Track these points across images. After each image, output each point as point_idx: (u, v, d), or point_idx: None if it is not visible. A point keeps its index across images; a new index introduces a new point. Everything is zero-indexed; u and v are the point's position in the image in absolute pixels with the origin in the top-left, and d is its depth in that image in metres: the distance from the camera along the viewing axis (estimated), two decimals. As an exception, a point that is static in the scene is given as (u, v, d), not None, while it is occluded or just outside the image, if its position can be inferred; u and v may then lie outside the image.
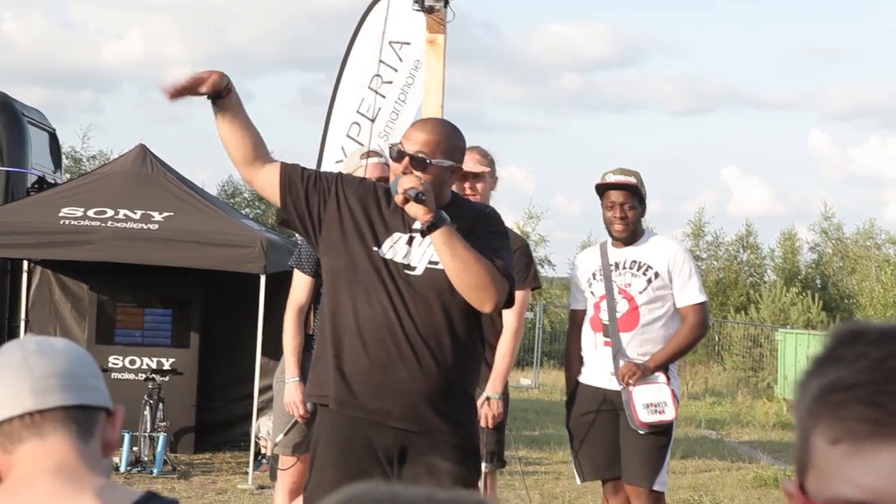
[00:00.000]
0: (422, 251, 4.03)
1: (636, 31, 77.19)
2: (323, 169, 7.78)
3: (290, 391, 5.71)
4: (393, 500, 1.06)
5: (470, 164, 5.69)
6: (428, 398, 3.98)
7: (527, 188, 63.25)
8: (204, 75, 3.87)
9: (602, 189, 5.97)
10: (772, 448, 15.26)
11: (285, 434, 5.79)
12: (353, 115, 8.38)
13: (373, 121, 7.89)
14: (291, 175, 4.05)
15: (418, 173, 3.97)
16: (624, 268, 5.92)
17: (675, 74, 75.88)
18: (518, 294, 5.80)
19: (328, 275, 4.10)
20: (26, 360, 1.93)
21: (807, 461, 1.10)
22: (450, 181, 4.12)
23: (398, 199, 3.92)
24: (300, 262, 5.82)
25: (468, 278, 3.94)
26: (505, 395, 5.89)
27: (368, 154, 5.88)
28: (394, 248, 4.02)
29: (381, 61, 7.75)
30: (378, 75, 8.00)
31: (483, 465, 5.69)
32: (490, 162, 5.96)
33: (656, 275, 5.87)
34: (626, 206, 5.90)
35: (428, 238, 3.97)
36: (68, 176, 19.70)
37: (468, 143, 4.37)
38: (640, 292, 5.87)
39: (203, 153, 72.80)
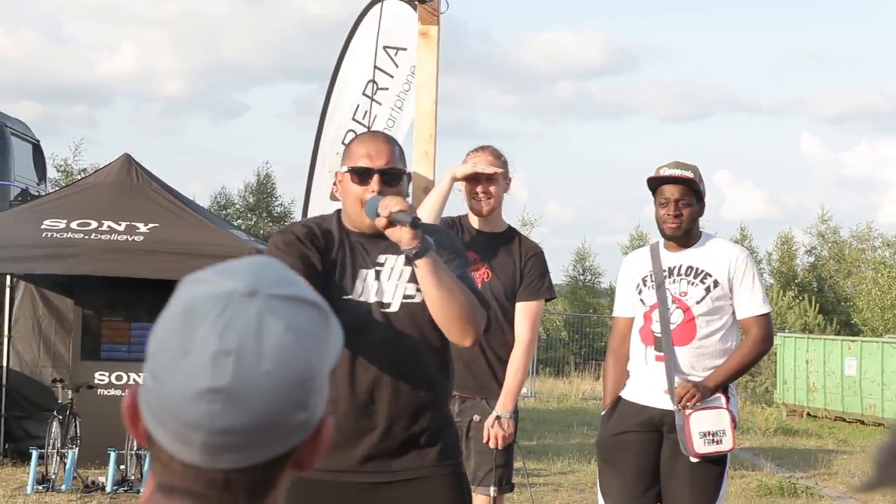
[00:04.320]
0: (393, 285, 3.68)
1: (628, 38, 77.39)
2: (316, 177, 7.55)
3: None
4: None
5: (482, 164, 5.41)
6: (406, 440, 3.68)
7: (520, 195, 63.05)
8: None
9: (655, 184, 5.37)
10: (774, 455, 15.03)
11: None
12: (349, 122, 8.18)
13: (369, 128, 7.67)
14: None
15: (393, 192, 3.62)
16: (679, 274, 5.34)
17: (668, 81, 76.04)
18: (532, 305, 5.47)
19: None
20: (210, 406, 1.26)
21: None
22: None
23: (380, 222, 3.52)
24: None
25: (452, 309, 3.59)
26: (515, 414, 5.45)
27: None
28: (365, 286, 3.66)
29: (376, 67, 7.53)
30: (373, 81, 7.78)
31: (491, 489, 5.41)
32: (504, 163, 5.52)
33: (715, 283, 5.30)
34: (682, 202, 5.30)
35: (399, 270, 3.67)
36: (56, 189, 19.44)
37: (379, 132, 4.03)
38: (698, 302, 5.28)
39: (196, 165, 72.72)
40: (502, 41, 77.34)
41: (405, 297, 3.68)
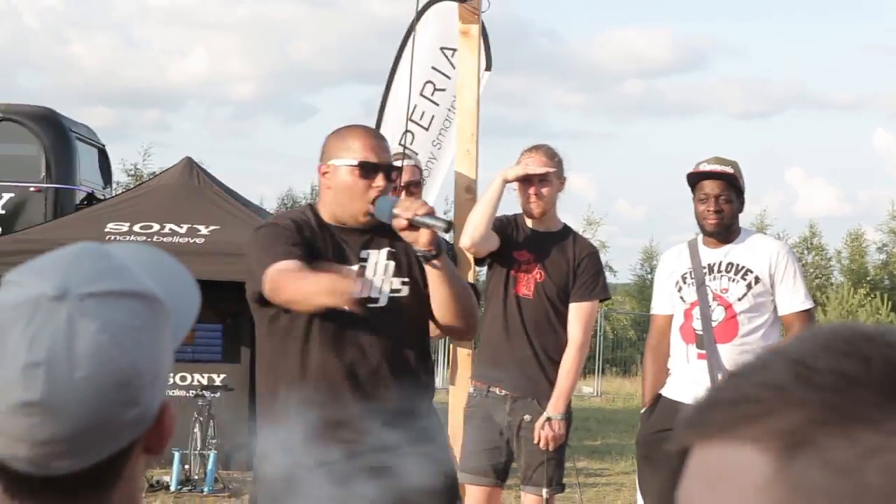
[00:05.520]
0: (379, 280, 3.71)
1: (698, 34, 76.82)
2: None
3: None
4: None
5: (533, 165, 5.37)
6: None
7: (588, 195, 62.86)
8: None
9: (695, 179, 5.33)
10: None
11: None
12: (405, 123, 8.18)
13: (426, 129, 7.67)
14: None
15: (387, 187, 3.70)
16: (719, 271, 5.28)
17: (738, 77, 75.33)
18: (585, 306, 5.45)
19: (276, 318, 3.69)
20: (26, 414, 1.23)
21: None
22: None
23: (399, 223, 3.55)
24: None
25: (461, 306, 3.70)
26: (568, 416, 5.42)
27: (403, 156, 5.58)
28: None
29: (432, 68, 7.53)
30: (430, 82, 7.78)
31: (543, 490, 5.39)
32: (558, 163, 5.48)
33: (756, 279, 5.24)
34: (722, 198, 5.24)
35: (384, 265, 3.70)
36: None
37: (369, 126, 4.02)
38: (739, 299, 5.22)
39: (265, 168, 73.33)
40: (570, 39, 77.12)
41: (392, 291, 3.70)
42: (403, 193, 5.37)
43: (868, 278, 42.76)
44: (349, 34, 70.54)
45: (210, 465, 9.98)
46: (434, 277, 3.65)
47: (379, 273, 3.71)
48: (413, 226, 3.53)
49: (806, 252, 42.55)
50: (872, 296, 36.75)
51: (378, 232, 3.74)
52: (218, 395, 10.65)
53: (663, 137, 75.26)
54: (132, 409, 1.25)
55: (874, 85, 76.40)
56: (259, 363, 3.88)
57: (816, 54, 75.82)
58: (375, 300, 3.69)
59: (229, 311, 11.32)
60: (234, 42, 70.96)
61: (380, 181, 3.68)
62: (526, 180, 5.36)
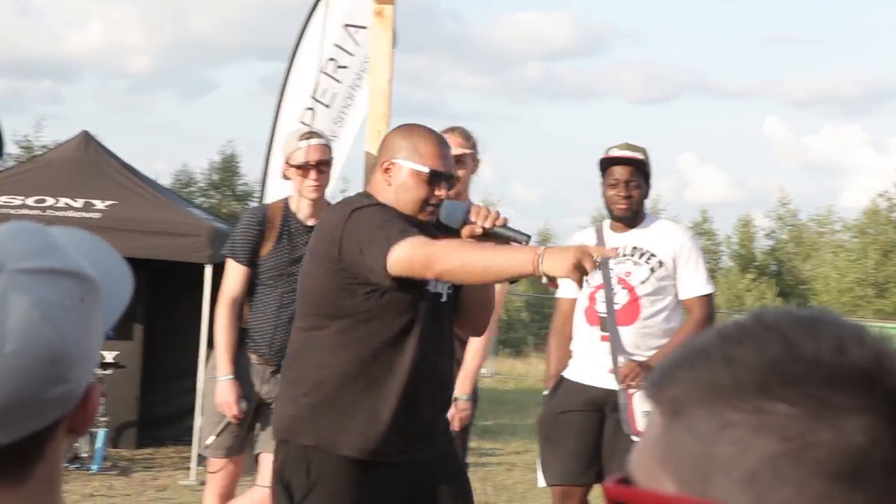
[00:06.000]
0: None
1: (598, 19, 77.46)
2: (273, 154, 7.54)
3: (222, 390, 5.35)
4: None
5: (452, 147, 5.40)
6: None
7: (486, 176, 63.10)
8: None
9: (605, 164, 5.42)
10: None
11: (217, 435, 5.45)
12: (307, 100, 8.17)
13: (328, 106, 7.67)
14: None
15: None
16: (624, 255, 5.38)
17: (636, 63, 76.29)
18: (497, 287, 5.57)
19: (376, 311, 3.74)
20: None
21: None
22: None
23: (475, 230, 3.66)
24: (234, 251, 5.46)
25: (490, 306, 4.01)
26: (474, 396, 5.51)
27: (310, 135, 5.57)
28: None
29: (336, 45, 7.53)
30: (333, 59, 7.77)
31: None
32: (472, 144, 5.53)
33: (660, 263, 5.36)
34: (632, 184, 5.37)
35: None
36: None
37: (435, 130, 4.02)
38: (642, 282, 5.34)
39: (161, 143, 72.40)
40: (474, 21, 77.30)
41: (448, 288, 3.86)
42: (313, 172, 5.39)
43: (755, 263, 43.60)
44: (250, 9, 69.84)
45: (99, 443, 9.87)
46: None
47: None
48: (487, 234, 3.64)
49: (697, 237, 43.31)
50: (759, 280, 37.48)
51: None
52: (109, 371, 10.53)
53: (561, 121, 75.99)
54: (59, 386, 1.26)
55: (767, 74, 77.88)
56: (345, 353, 3.81)
57: (713, 42, 76.97)
58: (440, 294, 3.85)
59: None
60: (132, 14, 69.81)
61: (442, 190, 3.80)
62: None
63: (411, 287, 3.67)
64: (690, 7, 78.29)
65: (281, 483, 3.78)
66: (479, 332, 4.17)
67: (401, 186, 3.79)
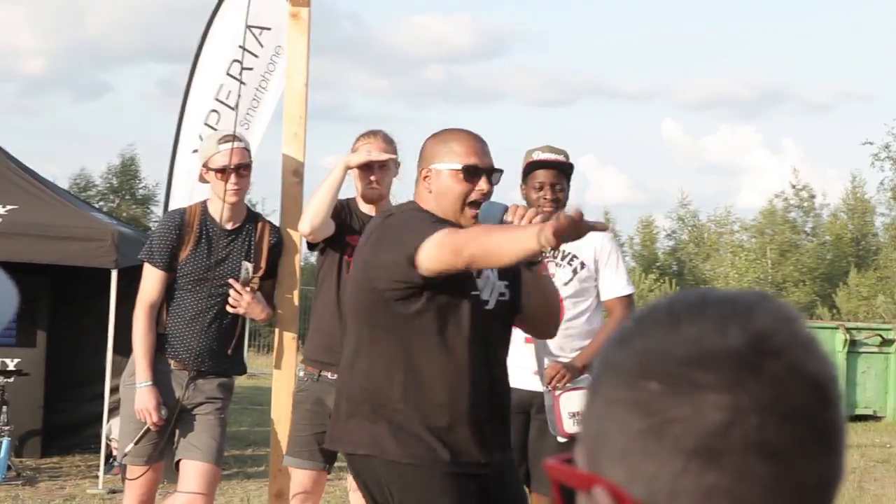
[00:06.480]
0: (491, 283, 3.80)
1: (499, 22, 77.86)
2: (178, 158, 7.38)
3: (142, 397, 5.24)
4: None
5: (375, 152, 5.32)
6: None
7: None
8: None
9: (530, 168, 5.41)
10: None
11: (136, 443, 5.32)
12: (212, 102, 8.03)
13: (234, 108, 7.54)
14: None
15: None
16: (546, 256, 5.31)
17: (536, 66, 76.76)
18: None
19: (411, 316, 3.65)
20: None
21: None
22: None
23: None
24: (151, 255, 5.35)
25: (555, 307, 3.92)
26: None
27: (233, 138, 5.46)
28: (486, 283, 3.77)
29: (240, 47, 7.40)
30: (237, 61, 7.64)
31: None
32: (394, 148, 5.47)
33: (582, 265, 5.39)
34: (557, 186, 5.36)
35: (489, 270, 3.75)
36: None
37: (470, 129, 3.96)
38: (565, 284, 5.32)
39: (55, 146, 71.18)
40: (373, 24, 77.23)
41: (500, 295, 3.79)
42: (233, 176, 5.30)
43: (658, 264, 44.15)
44: (146, 11, 68.97)
45: (2, 453, 9.62)
46: (537, 279, 3.78)
47: (484, 276, 3.76)
48: None
49: (617, 238, 43.80)
50: (662, 281, 37.92)
51: None
52: (12, 380, 10.26)
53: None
54: None
55: (663, 77, 78.89)
56: (386, 357, 3.72)
57: (609, 46, 77.83)
58: (486, 302, 3.77)
59: (25, 293, 10.94)
60: (24, 15, 68.51)
61: (483, 185, 3.72)
62: (367, 166, 5.32)
63: (453, 291, 3.63)
64: (585, 8, 79.12)
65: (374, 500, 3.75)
66: (548, 335, 4.18)
67: (440, 191, 3.78)
